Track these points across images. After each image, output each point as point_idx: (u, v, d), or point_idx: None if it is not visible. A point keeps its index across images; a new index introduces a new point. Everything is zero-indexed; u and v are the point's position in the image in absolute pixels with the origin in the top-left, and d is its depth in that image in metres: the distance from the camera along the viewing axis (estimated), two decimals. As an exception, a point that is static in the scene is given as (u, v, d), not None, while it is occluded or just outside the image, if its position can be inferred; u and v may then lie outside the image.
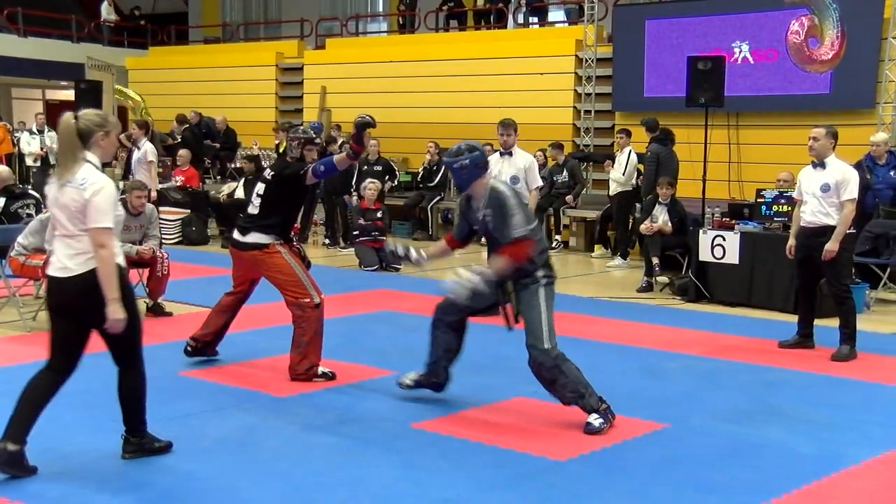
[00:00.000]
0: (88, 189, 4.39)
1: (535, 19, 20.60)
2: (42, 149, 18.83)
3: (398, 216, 15.37)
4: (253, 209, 6.52)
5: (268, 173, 6.68)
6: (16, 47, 24.04)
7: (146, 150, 12.59)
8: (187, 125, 17.82)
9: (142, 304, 8.52)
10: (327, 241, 14.09)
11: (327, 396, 6.07)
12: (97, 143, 4.53)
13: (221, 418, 5.59)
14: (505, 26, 20.43)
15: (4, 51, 23.74)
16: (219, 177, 17.12)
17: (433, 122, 17.74)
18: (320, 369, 6.49)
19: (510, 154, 8.95)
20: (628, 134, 13.12)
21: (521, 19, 20.57)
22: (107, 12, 26.46)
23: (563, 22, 20.58)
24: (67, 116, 4.50)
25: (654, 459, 5.03)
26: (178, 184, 14.69)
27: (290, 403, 5.94)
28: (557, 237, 14.13)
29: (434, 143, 15.90)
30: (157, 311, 8.52)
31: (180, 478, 4.64)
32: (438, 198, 15.43)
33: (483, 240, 5.94)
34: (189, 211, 14.29)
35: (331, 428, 5.46)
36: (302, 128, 6.89)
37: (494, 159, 8.84)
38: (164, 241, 9.72)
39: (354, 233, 12.51)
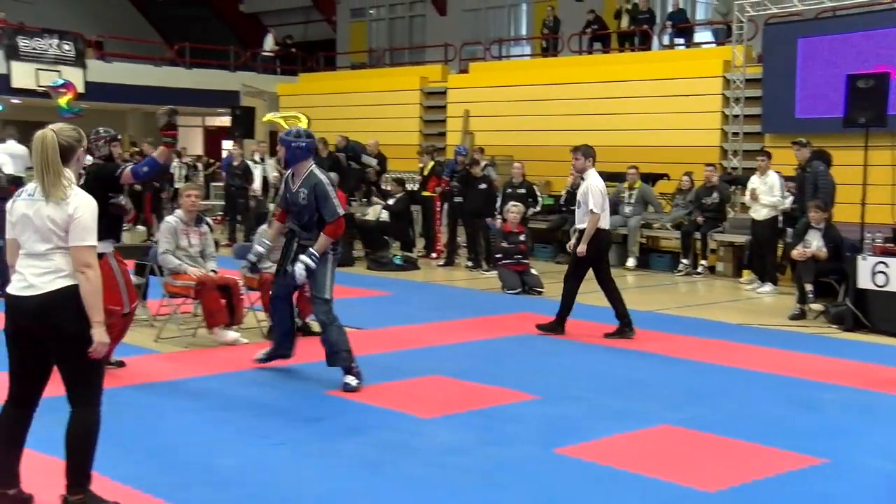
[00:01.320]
0: (72, 205, 4.13)
1: (681, 40, 20.27)
2: (265, 177, 18.90)
3: (540, 239, 15.33)
4: None
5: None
6: (180, 78, 25.50)
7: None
8: (334, 149, 18.23)
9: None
10: (470, 263, 14.16)
11: (469, 419, 6.08)
12: (77, 158, 4.33)
13: (364, 437, 5.66)
14: (649, 48, 20.18)
15: (170, 82, 25.21)
16: (364, 199, 17.48)
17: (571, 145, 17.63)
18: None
19: (582, 178, 9.02)
20: (769, 156, 12.66)
21: (666, 41, 20.27)
22: (269, 44, 27.63)
23: (711, 42, 20.16)
24: (47, 132, 4.18)
25: (812, 495, 4.82)
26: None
27: (432, 425, 5.98)
28: (703, 262, 13.78)
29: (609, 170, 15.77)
30: (305, 330, 8.73)
31: (322, 498, 4.73)
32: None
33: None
34: (335, 233, 14.63)
35: (471, 450, 5.46)
36: (105, 128, 7.07)
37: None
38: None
39: (497, 256, 12.53)
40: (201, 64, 26.50)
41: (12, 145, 16.01)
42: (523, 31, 26.32)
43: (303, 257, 6.72)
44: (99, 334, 4.11)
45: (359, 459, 5.24)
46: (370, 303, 9.99)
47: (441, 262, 14.70)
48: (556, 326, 8.94)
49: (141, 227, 18.04)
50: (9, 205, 4.29)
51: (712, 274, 13.84)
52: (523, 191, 14.41)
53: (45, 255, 4.15)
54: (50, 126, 4.25)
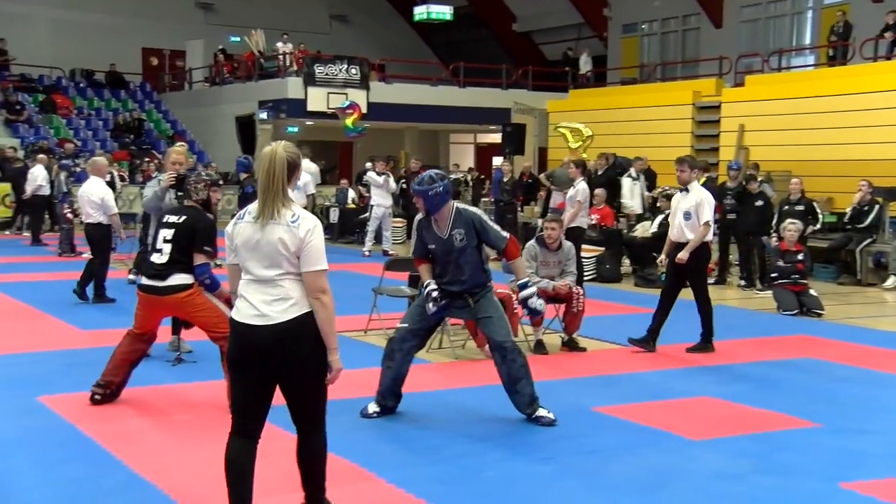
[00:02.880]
0: (303, 228, 3.94)
1: None
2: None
3: (820, 259, 14.45)
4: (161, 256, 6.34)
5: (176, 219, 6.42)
6: (455, 97, 26.49)
7: (579, 189, 12.03)
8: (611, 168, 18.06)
9: (556, 338, 8.83)
10: (743, 282, 13.61)
11: (743, 443, 5.81)
12: (296, 177, 4.08)
13: (632, 457, 5.55)
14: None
15: (446, 101, 26.26)
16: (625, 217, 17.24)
17: (864, 160, 16.49)
18: None
19: (686, 190, 8.71)
20: None
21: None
22: (584, 64, 27.85)
23: None
24: (277, 148, 4.00)
25: None
26: (594, 222, 15.03)
27: (703, 448, 5.76)
28: None
29: (867, 181, 14.75)
30: (571, 346, 8.73)
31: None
32: (870, 240, 14.26)
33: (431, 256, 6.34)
34: (603, 249, 14.55)
35: (744, 478, 5.20)
36: (207, 172, 6.80)
37: (678, 196, 8.86)
38: (582, 277, 9.94)
39: (773, 275, 11.94)
40: (475, 83, 27.35)
41: (306, 164, 17.26)
42: (807, 41, 25.01)
43: (530, 297, 6.40)
44: (336, 361, 4.01)
45: (627, 479, 5.13)
46: (637, 320, 9.78)
47: (711, 280, 14.22)
48: (647, 340, 8.65)
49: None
50: (229, 228, 4.12)
51: None
52: (801, 207, 13.67)
53: (273, 282, 3.97)
54: (276, 142, 4.07)
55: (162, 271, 6.29)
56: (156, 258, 6.34)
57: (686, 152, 20.39)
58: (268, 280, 3.98)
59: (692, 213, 8.62)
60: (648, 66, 27.40)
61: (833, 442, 5.90)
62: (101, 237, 10.74)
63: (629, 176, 16.88)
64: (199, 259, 6.29)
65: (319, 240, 3.98)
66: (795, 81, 20.24)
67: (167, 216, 6.48)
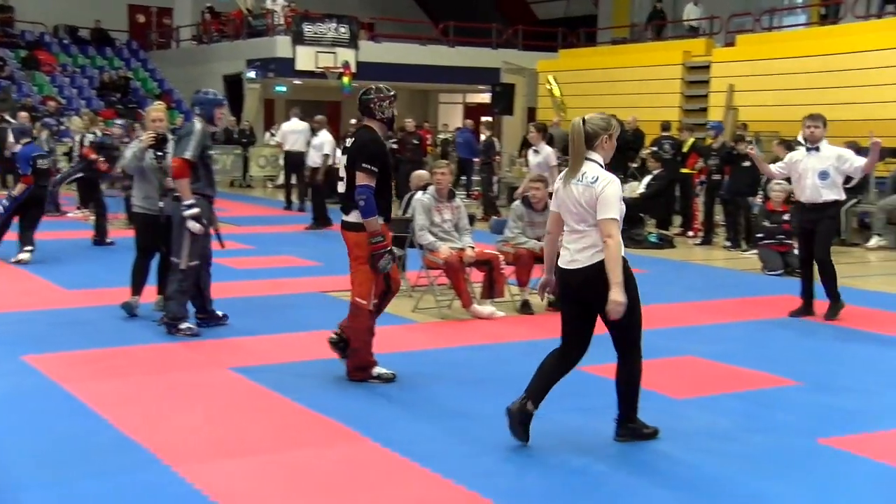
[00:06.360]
0: (599, 185, 4.75)
1: None
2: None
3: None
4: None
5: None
6: (444, 56, 26.31)
7: (547, 154, 11.75)
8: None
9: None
10: (728, 243, 13.65)
11: (727, 402, 5.86)
12: (601, 145, 4.88)
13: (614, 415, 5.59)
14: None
15: (435, 60, 26.07)
16: (621, 176, 17.25)
17: (855, 120, 16.47)
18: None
19: (817, 149, 8.34)
20: None
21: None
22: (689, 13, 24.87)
23: None
24: (577, 120, 4.87)
25: None
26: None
27: (687, 406, 5.80)
28: None
29: (854, 142, 14.74)
30: (557, 306, 8.74)
31: (677, 464, 4.72)
32: (855, 200, 14.30)
33: None
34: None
35: (730, 436, 5.25)
36: (386, 85, 6.23)
37: (801, 153, 8.42)
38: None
39: (758, 235, 11.98)
40: (465, 42, 27.14)
41: (295, 122, 17.15)
42: (799, 0, 24.86)
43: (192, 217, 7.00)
44: (615, 293, 4.66)
45: (612, 438, 5.16)
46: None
47: (697, 240, 14.28)
48: (805, 310, 8.54)
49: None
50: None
51: None
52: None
53: (581, 233, 4.83)
54: (584, 116, 4.89)
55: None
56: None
57: (675, 113, 20.51)
58: (575, 231, 4.88)
59: (830, 171, 8.32)
60: (639, 25, 27.23)
61: (814, 399, 5.96)
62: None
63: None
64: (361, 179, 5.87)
65: (612, 194, 4.75)
66: (787, 41, 20.15)
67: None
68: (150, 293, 7.99)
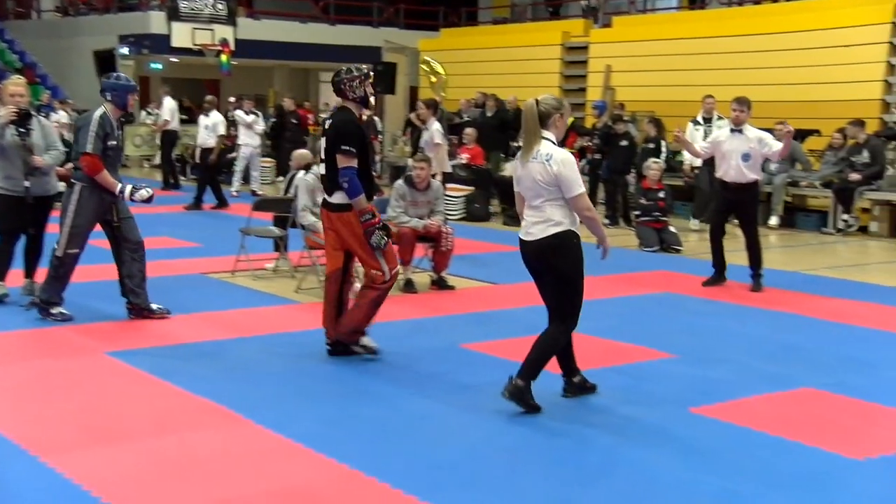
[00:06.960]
0: (555, 163, 5.00)
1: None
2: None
3: (681, 196, 14.94)
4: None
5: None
6: (325, 35, 25.99)
7: (434, 131, 11.82)
8: (481, 107, 18.09)
9: (426, 277, 8.89)
10: (607, 220, 13.96)
11: (605, 375, 6.01)
12: (554, 123, 5.14)
13: (498, 390, 5.67)
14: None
15: (316, 38, 25.72)
16: (502, 155, 17.41)
17: (725, 101, 17.05)
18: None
19: (741, 131, 8.83)
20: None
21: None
22: None
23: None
24: (530, 101, 5.08)
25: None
26: (464, 161, 15.11)
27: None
28: (847, 218, 13.16)
29: (727, 119, 15.27)
30: (440, 284, 8.81)
31: (556, 435, 4.77)
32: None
33: None
34: (473, 188, 14.66)
35: (608, 409, 5.40)
36: (357, 65, 6.32)
37: (724, 135, 8.95)
38: (448, 216, 10.02)
39: (635, 212, 12.31)
40: (346, 20, 26.88)
41: (170, 101, 17.02)
42: (671, -17, 25.47)
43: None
44: (606, 244, 5.32)
45: (496, 412, 5.21)
46: (505, 258, 9.94)
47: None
48: (717, 279, 9.08)
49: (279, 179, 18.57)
50: (511, 164, 4.90)
51: (865, 234, 13.21)
52: (653, 146, 14.07)
53: (537, 208, 5.10)
54: (537, 97, 5.12)
55: None
56: None
57: (555, 93, 20.57)
58: (532, 206, 5.20)
59: (752, 153, 8.68)
60: (519, 6, 27.48)
61: (687, 371, 6.18)
62: None
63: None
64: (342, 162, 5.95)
65: (570, 170, 5.07)
66: (661, 24, 20.67)
67: None
68: (16, 277, 7.69)
